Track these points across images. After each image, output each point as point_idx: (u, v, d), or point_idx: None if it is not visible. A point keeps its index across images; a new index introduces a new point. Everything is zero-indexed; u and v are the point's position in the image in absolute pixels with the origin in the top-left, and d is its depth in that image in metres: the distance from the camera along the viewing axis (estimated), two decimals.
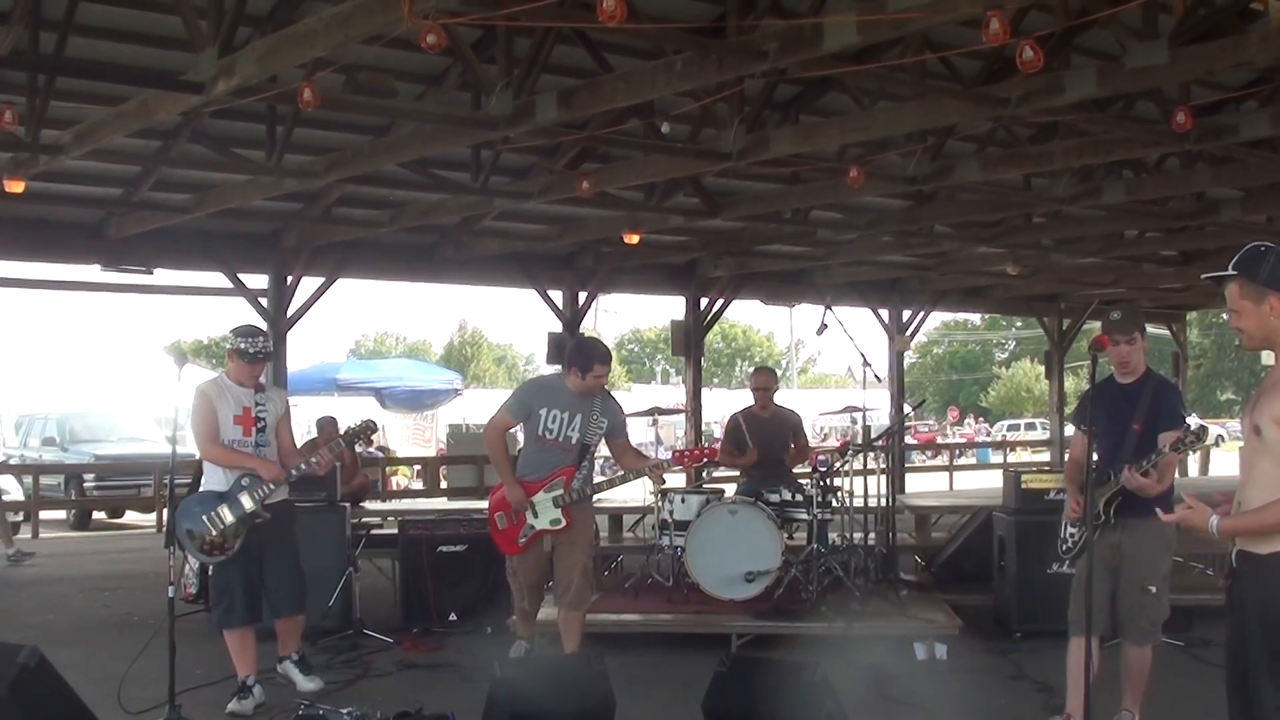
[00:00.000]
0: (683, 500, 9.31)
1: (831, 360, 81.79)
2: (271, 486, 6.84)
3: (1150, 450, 5.75)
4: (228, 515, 6.77)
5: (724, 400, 31.99)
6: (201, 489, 7.02)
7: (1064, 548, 6.40)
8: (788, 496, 9.22)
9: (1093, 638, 5.81)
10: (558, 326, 16.38)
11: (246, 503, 6.78)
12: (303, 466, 7.04)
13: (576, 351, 7.47)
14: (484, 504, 8.30)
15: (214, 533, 6.75)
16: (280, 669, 7.29)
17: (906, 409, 19.35)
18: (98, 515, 20.02)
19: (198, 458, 7.51)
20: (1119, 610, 6.06)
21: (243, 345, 6.96)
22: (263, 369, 7.12)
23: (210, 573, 6.95)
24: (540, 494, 7.33)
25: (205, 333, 63.88)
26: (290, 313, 14.22)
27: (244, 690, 6.86)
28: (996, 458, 33.20)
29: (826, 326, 9.84)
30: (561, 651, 7.49)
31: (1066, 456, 6.74)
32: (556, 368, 16.09)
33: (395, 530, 9.88)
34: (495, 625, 8.38)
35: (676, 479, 14.07)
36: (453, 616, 9.08)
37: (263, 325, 14.15)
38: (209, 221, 12.37)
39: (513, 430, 7.72)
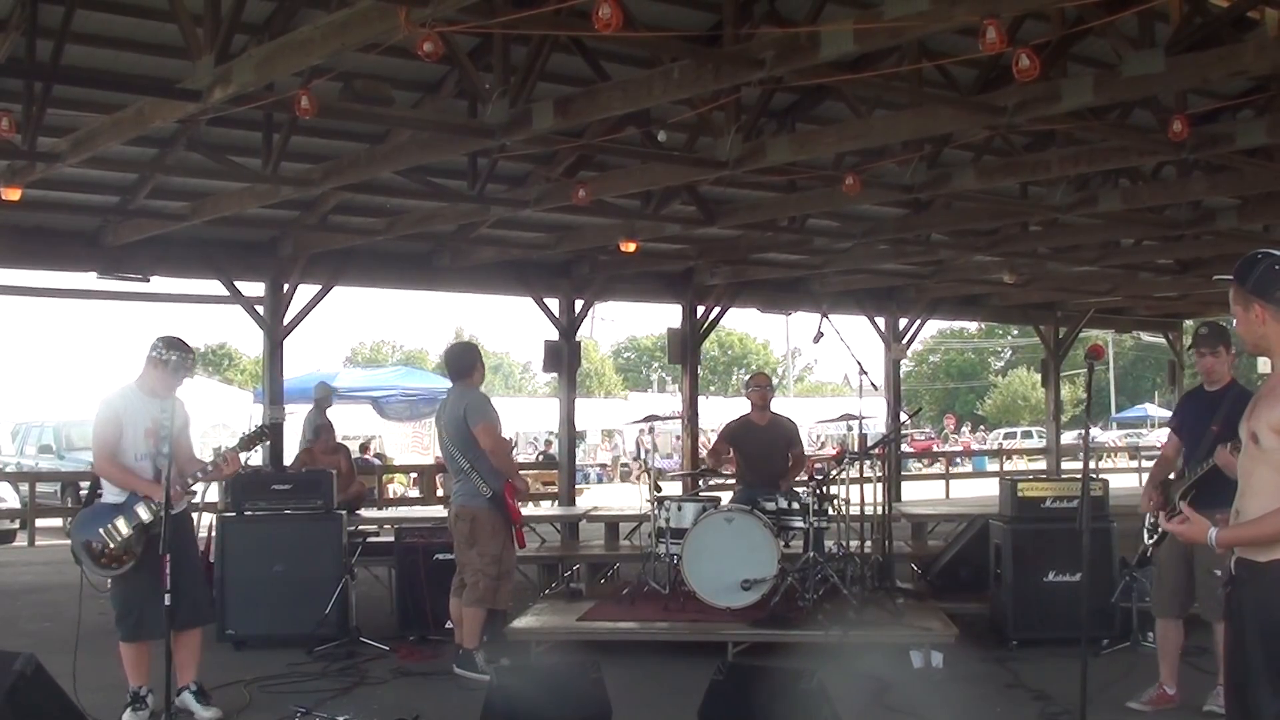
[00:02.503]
0: (679, 508, 9.31)
1: (828, 368, 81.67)
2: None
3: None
4: (124, 527, 6.58)
5: (721, 408, 31.97)
6: (98, 501, 6.82)
7: (1149, 538, 6.92)
8: (784, 504, 9.22)
9: (1175, 619, 6.84)
10: (554, 334, 16.37)
11: (143, 513, 6.59)
12: (198, 475, 6.83)
13: (476, 354, 8.37)
14: None
15: (111, 545, 6.57)
16: (178, 700, 6.79)
17: (903, 417, 19.34)
18: None
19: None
20: (1196, 593, 6.68)
21: (174, 358, 6.75)
22: (182, 382, 6.82)
23: (110, 586, 6.77)
24: None
25: (202, 340, 63.84)
26: (287, 320, 14.21)
27: (139, 701, 6.75)
28: (993, 466, 33.21)
29: (823, 334, 9.84)
30: (559, 659, 7.49)
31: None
32: (553, 375, 16.21)
33: (392, 538, 9.88)
34: (492, 633, 8.36)
35: (673, 486, 14.07)
36: (449, 624, 9.06)
37: (259, 330, 14.22)
38: (206, 229, 12.35)
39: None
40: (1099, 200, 11.87)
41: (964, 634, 8.31)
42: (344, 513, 9.74)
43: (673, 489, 13.20)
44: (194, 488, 6.98)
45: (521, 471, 9.30)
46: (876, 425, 21.75)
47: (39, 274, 13.75)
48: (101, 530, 6.60)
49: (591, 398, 51.65)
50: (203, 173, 10.67)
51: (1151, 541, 6.86)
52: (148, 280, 13.48)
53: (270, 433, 7.12)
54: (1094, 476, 7.71)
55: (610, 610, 9.14)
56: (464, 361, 8.18)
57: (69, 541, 6.89)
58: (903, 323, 20.44)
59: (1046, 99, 7.96)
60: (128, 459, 6.71)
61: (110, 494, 6.75)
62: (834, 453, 16.60)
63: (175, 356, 6.78)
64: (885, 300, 19.60)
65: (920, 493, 25.47)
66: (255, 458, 12.93)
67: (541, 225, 13.78)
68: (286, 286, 14.13)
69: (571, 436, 17.24)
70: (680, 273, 16.90)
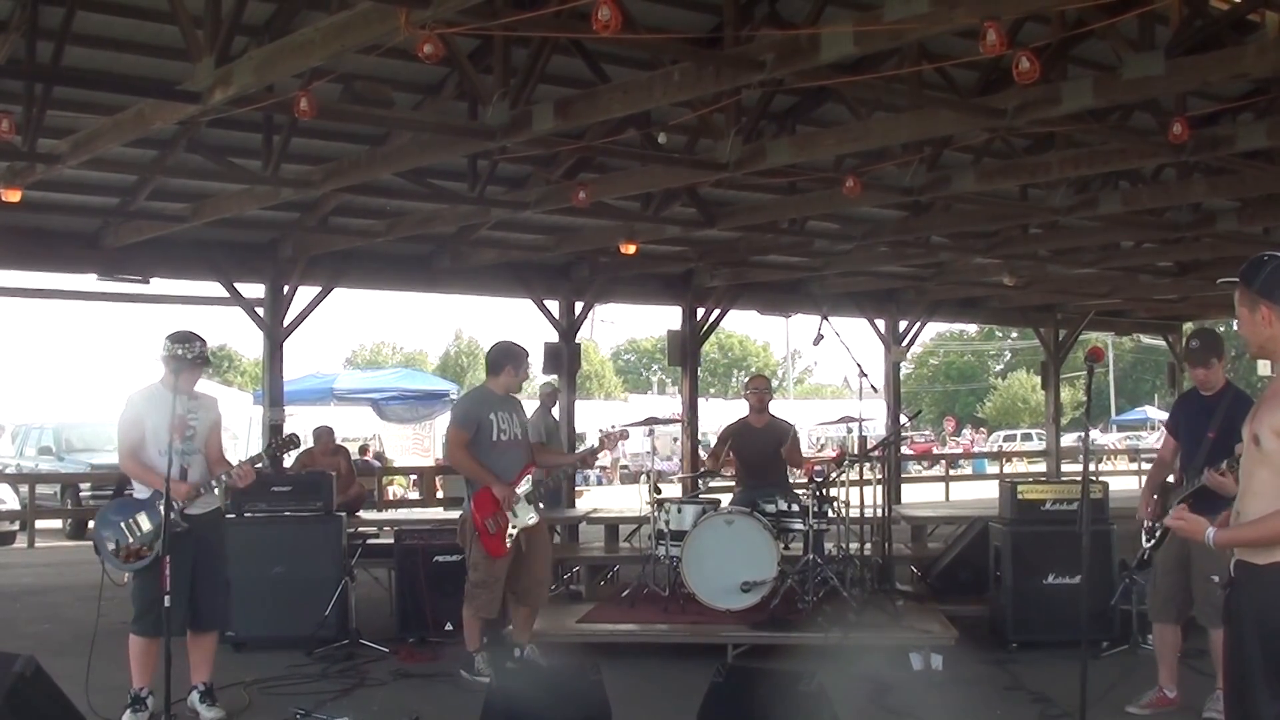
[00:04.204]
0: (679, 510, 9.30)
1: (828, 371, 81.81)
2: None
3: (1225, 456, 5.86)
4: (145, 523, 6.62)
5: (720, 410, 31.93)
6: (126, 495, 6.89)
7: (1147, 541, 6.86)
8: (784, 507, 9.21)
9: (1171, 624, 6.86)
10: (554, 336, 16.36)
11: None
12: (224, 479, 6.86)
13: (505, 354, 8.01)
14: None
15: (131, 540, 6.61)
16: (186, 701, 6.94)
17: (903, 419, 19.32)
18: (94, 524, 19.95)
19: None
20: (1194, 598, 6.69)
21: (180, 351, 6.76)
22: (199, 374, 6.89)
23: (129, 580, 6.79)
24: (516, 492, 7.73)
25: None
26: (286, 322, 14.19)
27: (139, 702, 6.75)
28: (993, 468, 33.19)
29: (823, 337, 9.85)
30: (558, 660, 7.49)
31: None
32: (553, 377, 16.23)
33: (391, 540, 9.88)
34: (491, 635, 8.37)
35: (673, 489, 14.05)
36: (449, 626, 9.06)
37: (259, 332, 14.22)
38: (206, 231, 12.36)
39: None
40: (1099, 203, 11.87)
41: (964, 636, 8.30)
42: (344, 515, 9.74)
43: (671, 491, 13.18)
44: (214, 490, 6.99)
45: None
46: (876, 427, 21.77)
47: (39, 275, 13.75)
48: (123, 524, 6.65)
49: (591, 400, 51.63)
50: (203, 174, 10.68)
51: (1149, 544, 6.83)
52: (148, 282, 13.49)
53: (296, 440, 7.27)
54: (1094, 479, 7.72)
55: (610, 612, 9.14)
56: (489, 358, 8.13)
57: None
58: (902, 325, 20.45)
59: (1046, 101, 7.97)
60: (150, 454, 6.72)
61: (140, 490, 6.79)
62: (834, 455, 16.59)
63: (180, 349, 6.78)
64: (885, 302, 19.61)
65: (920, 495, 25.46)
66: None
67: (541, 227, 13.78)
68: (286, 288, 14.12)
69: (571, 439, 17.22)
70: (680, 275, 16.90)
